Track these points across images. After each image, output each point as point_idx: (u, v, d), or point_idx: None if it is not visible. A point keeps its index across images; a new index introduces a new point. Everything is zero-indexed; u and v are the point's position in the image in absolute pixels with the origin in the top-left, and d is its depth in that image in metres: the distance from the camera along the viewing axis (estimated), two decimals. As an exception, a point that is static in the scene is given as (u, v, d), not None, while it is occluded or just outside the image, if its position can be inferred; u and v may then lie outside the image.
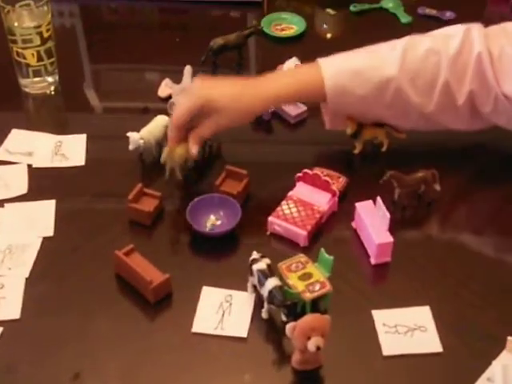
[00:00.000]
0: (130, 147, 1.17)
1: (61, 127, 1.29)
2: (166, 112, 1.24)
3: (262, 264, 0.97)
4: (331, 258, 0.99)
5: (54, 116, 1.35)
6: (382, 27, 1.50)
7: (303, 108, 1.29)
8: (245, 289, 1.00)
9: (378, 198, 1.05)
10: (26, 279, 1.03)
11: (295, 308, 0.95)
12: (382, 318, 0.98)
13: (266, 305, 0.96)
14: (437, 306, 0.99)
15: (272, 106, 1.21)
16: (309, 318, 0.89)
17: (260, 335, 0.97)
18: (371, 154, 1.21)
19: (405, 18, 1.52)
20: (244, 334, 0.96)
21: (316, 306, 0.97)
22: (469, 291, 1.02)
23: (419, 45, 1.14)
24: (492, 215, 1.15)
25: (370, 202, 1.08)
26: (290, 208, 1.10)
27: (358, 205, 1.08)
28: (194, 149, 1.13)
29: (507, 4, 1.56)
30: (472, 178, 1.19)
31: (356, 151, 1.21)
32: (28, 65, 1.32)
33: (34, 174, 1.19)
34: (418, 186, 1.12)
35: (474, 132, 1.18)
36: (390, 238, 1.04)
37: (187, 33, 1.54)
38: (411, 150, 1.21)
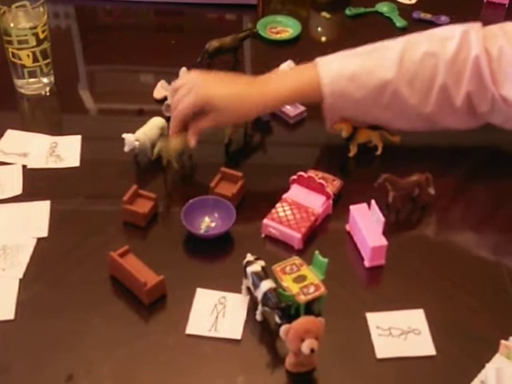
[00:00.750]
0: (125, 149, 1.17)
1: (56, 128, 1.29)
2: (161, 114, 1.24)
3: (257, 266, 0.97)
4: (326, 260, 0.99)
5: (49, 117, 1.35)
6: (377, 31, 1.50)
7: (302, 108, 1.29)
8: (239, 291, 1.00)
9: (373, 202, 1.06)
10: (20, 280, 1.03)
11: (289, 310, 0.95)
12: (376, 320, 0.98)
13: (260, 307, 0.96)
14: (431, 308, 1.00)
15: (271, 109, 1.21)
16: (303, 321, 0.89)
17: (254, 337, 0.97)
18: (366, 157, 1.22)
19: (400, 22, 1.53)
20: (238, 336, 0.96)
21: (310, 308, 0.97)
22: (463, 294, 1.02)
23: (416, 47, 1.14)
24: (486, 218, 1.15)
25: (365, 205, 1.08)
26: (284, 210, 1.10)
27: (352, 208, 1.09)
28: (192, 140, 1.15)
29: (503, 8, 1.57)
30: (466, 181, 1.19)
31: (350, 154, 1.21)
32: (23, 66, 1.31)
33: (29, 174, 1.19)
34: (412, 189, 1.12)
35: (469, 133, 1.19)
36: (384, 241, 1.04)
37: (183, 35, 1.54)
38: (406, 153, 1.21)
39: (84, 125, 1.29)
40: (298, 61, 1.25)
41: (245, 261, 0.99)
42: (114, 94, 1.39)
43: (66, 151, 1.23)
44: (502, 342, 0.92)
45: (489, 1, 1.57)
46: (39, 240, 1.08)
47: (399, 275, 1.05)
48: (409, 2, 1.60)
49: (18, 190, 1.16)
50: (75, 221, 1.12)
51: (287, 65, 1.32)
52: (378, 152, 1.21)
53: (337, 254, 1.05)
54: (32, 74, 1.33)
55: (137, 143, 1.17)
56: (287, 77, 1.19)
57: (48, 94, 1.36)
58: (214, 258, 1.07)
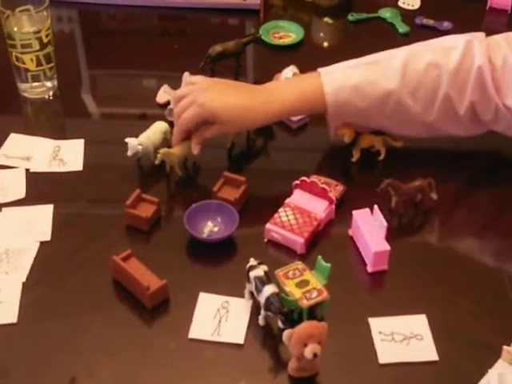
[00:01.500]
0: (129, 153, 1.17)
1: (59, 132, 1.29)
2: (164, 118, 1.25)
3: (260, 271, 0.97)
4: (328, 265, 0.99)
5: (53, 121, 1.35)
6: (380, 37, 1.50)
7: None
8: (242, 295, 1.00)
9: (376, 207, 1.06)
10: (23, 284, 1.03)
11: (292, 315, 0.95)
12: (379, 325, 0.98)
13: (262, 312, 0.96)
14: (433, 314, 1.00)
15: (275, 120, 1.20)
16: (306, 325, 0.89)
17: (257, 342, 0.97)
18: (369, 162, 1.22)
19: (402, 28, 1.53)
20: (241, 341, 0.96)
21: (313, 313, 0.97)
22: (465, 300, 1.02)
23: (419, 58, 1.14)
24: (488, 224, 1.15)
25: (367, 210, 1.08)
26: (287, 215, 1.10)
27: (355, 213, 1.09)
28: (196, 149, 1.15)
29: (505, 14, 1.57)
30: (468, 186, 1.19)
31: (353, 159, 1.21)
32: (27, 70, 1.32)
33: (32, 178, 1.19)
34: (414, 194, 1.12)
35: (472, 139, 1.19)
36: (386, 246, 1.04)
37: (186, 39, 1.55)
38: (408, 158, 1.21)
39: (87, 129, 1.30)
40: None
41: (248, 265, 0.99)
42: (117, 98, 1.39)
43: (69, 155, 1.23)
44: (505, 347, 0.92)
45: (491, 7, 1.57)
46: (42, 244, 1.08)
47: (402, 280, 1.05)
48: (411, 8, 1.60)
49: (21, 193, 1.16)
50: (78, 224, 1.12)
51: (290, 70, 1.32)
52: (381, 157, 1.21)
53: (339, 258, 1.05)
54: (35, 78, 1.33)
55: (140, 147, 1.17)
56: (290, 87, 1.18)
57: (51, 97, 1.36)
58: (217, 263, 1.07)
